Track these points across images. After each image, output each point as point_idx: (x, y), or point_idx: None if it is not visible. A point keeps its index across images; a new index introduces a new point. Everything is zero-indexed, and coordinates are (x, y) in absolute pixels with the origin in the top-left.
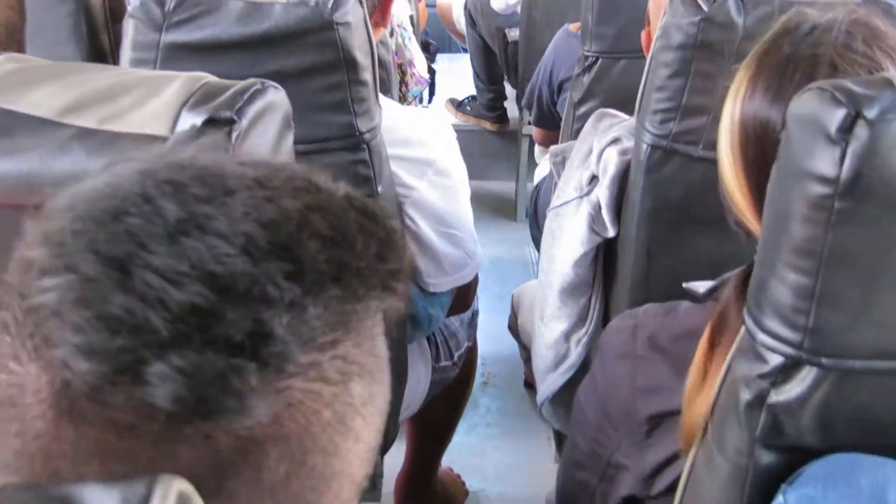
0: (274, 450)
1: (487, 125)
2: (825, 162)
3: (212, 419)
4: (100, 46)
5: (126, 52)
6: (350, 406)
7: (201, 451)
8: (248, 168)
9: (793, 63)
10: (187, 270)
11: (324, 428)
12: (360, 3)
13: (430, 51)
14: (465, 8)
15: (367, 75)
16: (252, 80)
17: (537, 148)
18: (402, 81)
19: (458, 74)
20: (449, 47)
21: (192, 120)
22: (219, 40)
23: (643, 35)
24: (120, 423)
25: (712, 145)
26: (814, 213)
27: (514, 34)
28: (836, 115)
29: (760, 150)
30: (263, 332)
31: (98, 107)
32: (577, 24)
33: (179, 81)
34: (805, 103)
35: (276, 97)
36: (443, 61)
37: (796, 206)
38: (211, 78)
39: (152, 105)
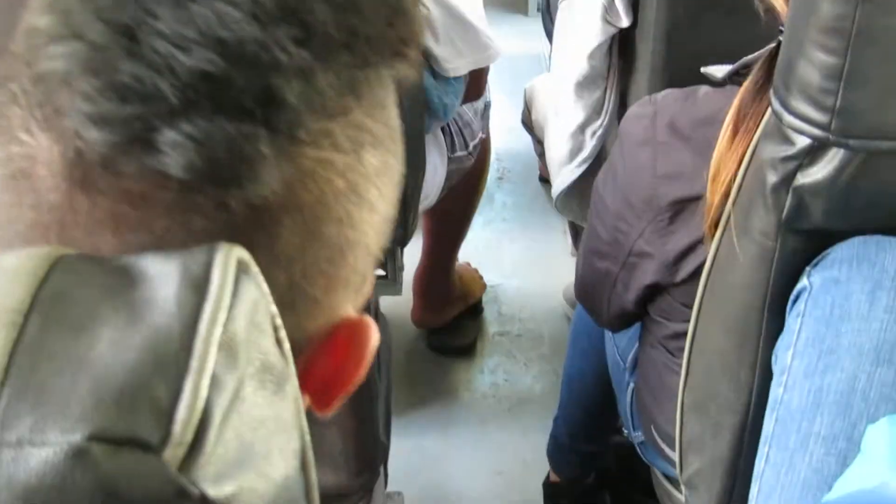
0: (287, 219)
1: None
2: None
3: (224, 187)
4: None
5: None
6: (363, 175)
7: (214, 221)
8: None
9: None
10: (195, 36)
11: (337, 197)
12: None
13: None
14: None
15: None
16: None
17: None
18: None
19: None
20: None
21: None
22: None
23: None
24: (133, 192)
25: None
26: None
27: None
28: None
29: None
30: (274, 99)
31: None
32: None
33: None
34: None
35: None
36: None
37: None
38: None
39: None
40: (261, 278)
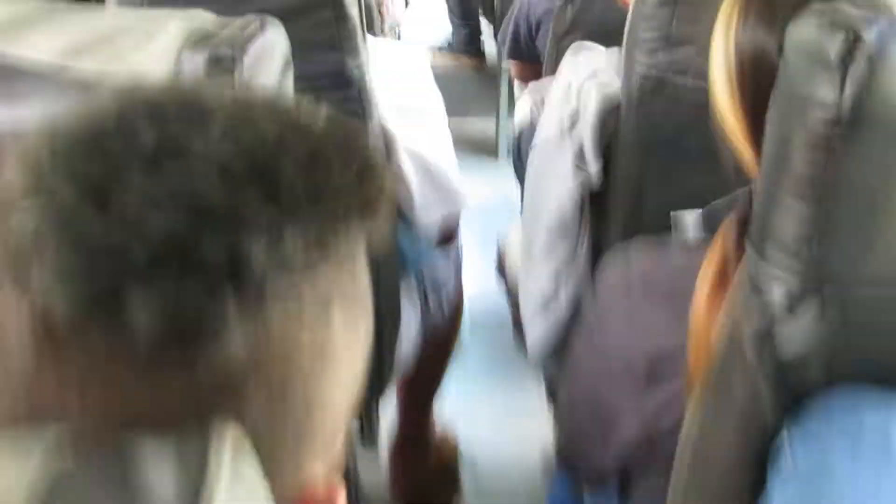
0: (253, 378)
1: (465, 62)
2: (825, 88)
3: (191, 347)
4: None
5: None
6: (330, 334)
7: (181, 381)
8: (226, 94)
9: None
10: (165, 197)
11: (303, 356)
12: None
13: None
14: None
15: (353, 10)
16: (251, 16)
17: (517, 84)
18: (378, 12)
19: (433, 11)
20: None
21: (192, 60)
22: None
23: None
24: (99, 352)
25: (702, 75)
26: (814, 141)
27: None
28: (835, 41)
29: (756, 79)
30: (241, 258)
31: (97, 49)
32: None
33: (177, 20)
34: (802, 29)
35: (276, 34)
36: None
37: (796, 135)
38: (208, 15)
39: (152, 46)
40: (254, 459)
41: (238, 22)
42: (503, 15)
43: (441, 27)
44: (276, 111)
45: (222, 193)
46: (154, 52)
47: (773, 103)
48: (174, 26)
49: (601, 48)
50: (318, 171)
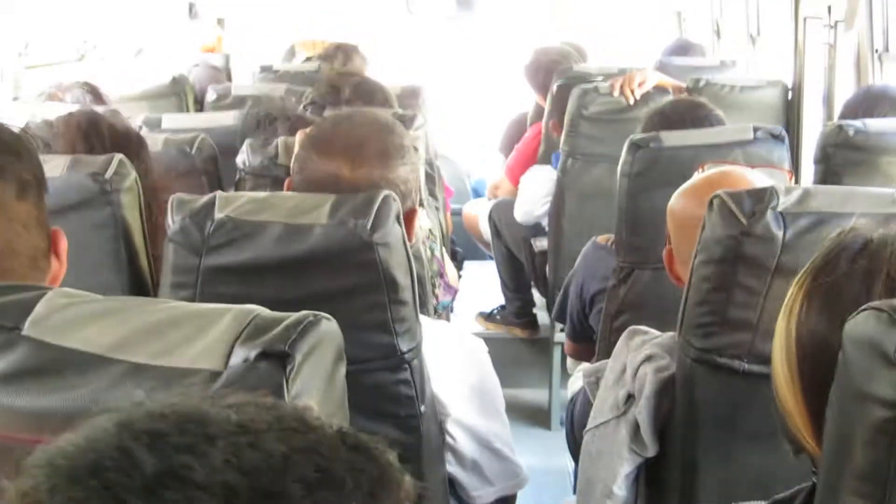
0: None
1: (518, 333)
2: (885, 385)
3: None
4: (139, 271)
5: (166, 276)
6: None
7: None
8: (232, 411)
9: (848, 279)
10: None
11: None
12: (399, 223)
13: (457, 259)
14: (490, 218)
15: (407, 295)
16: (305, 312)
17: (570, 358)
18: (433, 293)
19: (486, 281)
20: (476, 254)
21: (245, 354)
22: (259, 263)
23: (665, 253)
24: None
25: (758, 359)
26: (876, 438)
27: (540, 244)
28: (894, 338)
29: (818, 368)
30: None
31: (148, 342)
32: (606, 237)
33: (230, 315)
34: (861, 325)
35: (329, 329)
36: (470, 268)
37: (857, 430)
38: (262, 310)
39: (204, 339)
40: None
41: (292, 318)
42: (556, 288)
43: (493, 294)
44: (285, 428)
45: None
46: (205, 346)
47: (832, 397)
48: (226, 320)
49: (655, 332)
50: (326, 490)
